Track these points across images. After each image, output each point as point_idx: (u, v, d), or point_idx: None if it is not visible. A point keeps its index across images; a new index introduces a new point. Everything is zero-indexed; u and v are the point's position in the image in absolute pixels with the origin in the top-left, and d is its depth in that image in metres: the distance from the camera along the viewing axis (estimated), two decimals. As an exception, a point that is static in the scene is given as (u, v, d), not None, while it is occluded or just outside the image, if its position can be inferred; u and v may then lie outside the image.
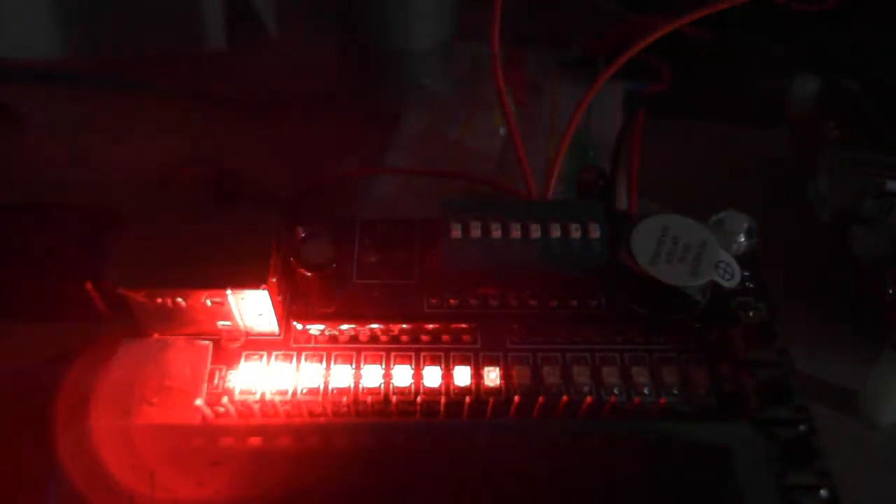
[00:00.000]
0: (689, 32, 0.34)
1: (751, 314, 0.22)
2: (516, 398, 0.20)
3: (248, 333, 0.21)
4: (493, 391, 0.20)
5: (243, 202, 0.30)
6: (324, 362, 0.21)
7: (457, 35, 0.37)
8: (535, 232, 0.22)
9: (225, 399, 0.20)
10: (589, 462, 0.18)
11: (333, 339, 0.22)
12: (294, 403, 0.20)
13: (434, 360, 0.21)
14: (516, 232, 0.22)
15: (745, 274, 0.22)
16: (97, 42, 0.38)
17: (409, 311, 0.22)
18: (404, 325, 0.22)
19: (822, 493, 0.19)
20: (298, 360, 0.21)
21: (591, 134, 0.32)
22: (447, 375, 0.21)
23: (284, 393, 0.20)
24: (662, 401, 0.20)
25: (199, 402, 0.20)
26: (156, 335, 0.21)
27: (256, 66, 0.39)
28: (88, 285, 0.22)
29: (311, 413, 0.20)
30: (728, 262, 0.22)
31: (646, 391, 0.20)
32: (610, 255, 0.22)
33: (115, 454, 0.18)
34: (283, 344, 0.21)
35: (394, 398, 0.20)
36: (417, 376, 0.21)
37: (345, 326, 0.22)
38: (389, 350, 0.21)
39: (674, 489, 0.18)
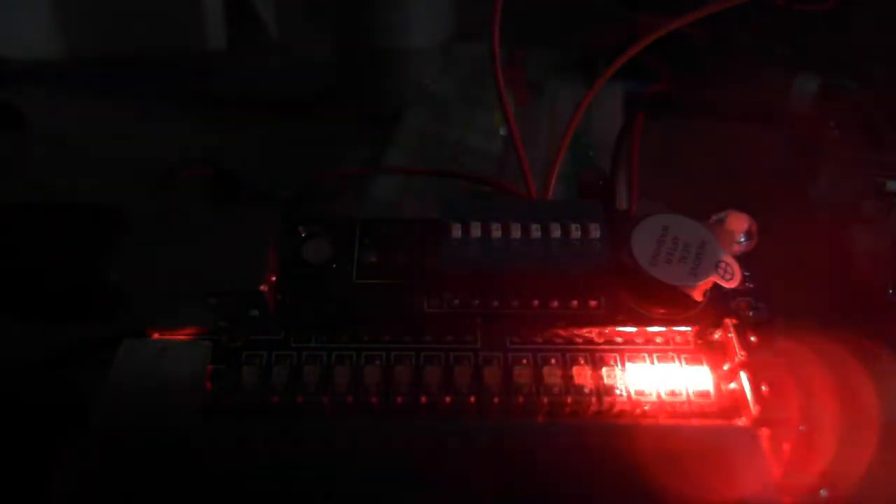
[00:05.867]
0: (689, 32, 0.34)
1: (751, 314, 0.22)
2: (517, 398, 0.20)
3: (248, 333, 0.21)
4: (494, 391, 0.20)
5: (243, 202, 0.30)
6: (324, 362, 0.21)
7: (457, 35, 0.37)
8: (535, 232, 0.22)
9: (226, 399, 0.20)
10: (589, 462, 0.18)
11: (333, 339, 0.22)
12: (294, 403, 0.20)
13: (434, 360, 0.21)
14: (516, 232, 0.22)
15: (746, 274, 0.22)
16: (98, 42, 0.38)
17: (409, 311, 0.22)
18: (404, 325, 0.22)
19: (822, 493, 0.19)
20: (298, 360, 0.21)
21: (591, 134, 0.32)
22: (448, 375, 0.21)
23: (285, 393, 0.20)
24: (662, 401, 0.20)
25: (200, 403, 0.20)
26: (156, 335, 0.21)
27: (256, 66, 0.39)
28: (89, 285, 0.22)
29: (311, 413, 0.20)
30: (728, 262, 0.22)
31: (645, 391, 0.20)
32: (610, 255, 0.22)
33: (115, 456, 0.18)
34: (283, 344, 0.21)
35: (395, 398, 0.20)
36: (418, 376, 0.21)
37: (345, 326, 0.22)
38: (390, 350, 0.21)
39: (673, 489, 0.18)
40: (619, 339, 0.22)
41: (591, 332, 0.22)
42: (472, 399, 0.20)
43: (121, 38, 0.38)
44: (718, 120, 0.34)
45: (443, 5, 0.37)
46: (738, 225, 0.23)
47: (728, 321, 0.22)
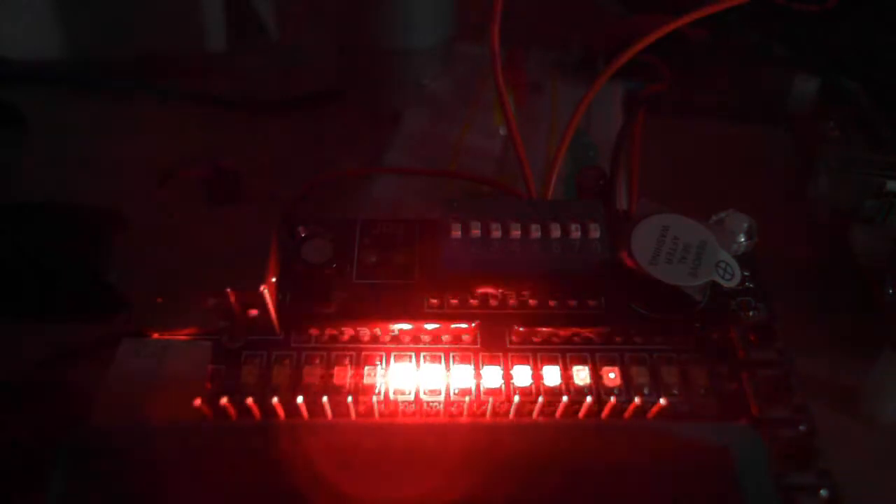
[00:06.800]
0: (689, 32, 0.34)
1: (751, 314, 0.22)
2: (516, 398, 0.20)
3: (248, 333, 0.21)
4: (493, 391, 0.20)
5: (243, 202, 0.30)
6: (324, 362, 0.21)
7: (457, 35, 0.37)
8: (535, 232, 0.22)
9: (225, 399, 0.20)
10: (588, 462, 0.18)
11: (333, 339, 0.22)
12: (294, 404, 0.20)
13: (434, 360, 0.21)
14: (516, 232, 0.22)
15: (745, 274, 0.22)
16: (98, 42, 0.38)
17: (409, 311, 0.22)
18: (404, 325, 0.22)
19: (822, 493, 0.19)
20: (298, 361, 0.21)
21: (590, 134, 0.32)
22: (447, 375, 0.21)
23: (285, 393, 0.20)
24: (662, 401, 0.20)
25: (198, 402, 0.20)
26: (156, 335, 0.21)
27: (256, 66, 0.39)
28: (89, 285, 0.22)
29: (311, 414, 0.20)
30: (728, 262, 0.22)
31: (646, 391, 0.20)
32: (610, 255, 0.22)
33: (114, 455, 0.18)
34: (283, 344, 0.21)
35: (394, 398, 0.20)
36: (418, 376, 0.21)
37: (345, 326, 0.22)
38: (389, 350, 0.21)
39: (674, 489, 0.18)
40: (618, 339, 0.22)
41: (591, 332, 0.22)
42: (472, 399, 0.20)
43: (121, 38, 0.38)
44: (718, 120, 0.34)
45: (443, 5, 0.37)
46: (738, 225, 0.23)
47: (728, 321, 0.22)
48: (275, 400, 0.20)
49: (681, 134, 0.33)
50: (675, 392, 0.21)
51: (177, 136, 0.34)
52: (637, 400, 0.20)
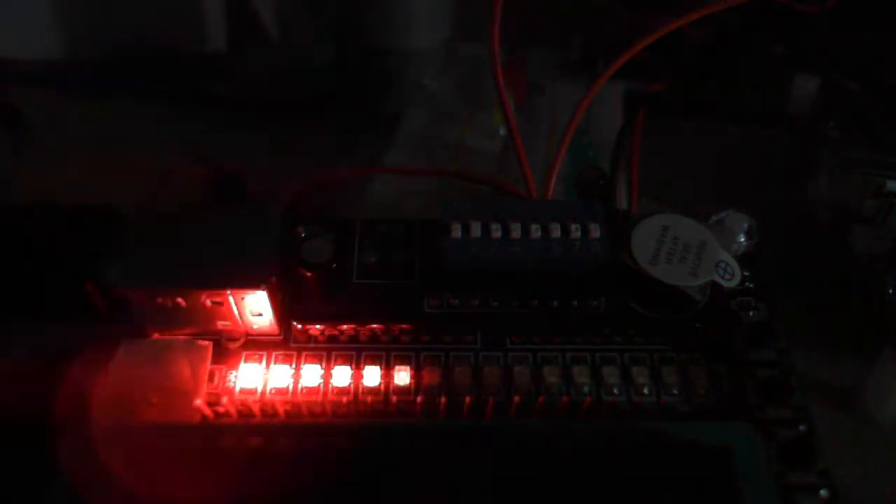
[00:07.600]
0: (689, 32, 0.34)
1: (751, 314, 0.22)
2: (516, 398, 0.20)
3: (247, 333, 0.21)
4: (493, 391, 0.20)
5: (243, 202, 0.30)
6: (324, 362, 0.21)
7: (457, 35, 0.37)
8: (535, 232, 0.22)
9: (225, 399, 0.20)
10: (589, 462, 0.18)
11: (333, 339, 0.22)
12: (294, 403, 0.20)
13: (434, 361, 0.21)
14: (516, 232, 0.22)
15: (745, 274, 0.22)
16: (98, 42, 0.38)
17: (409, 311, 0.22)
18: (404, 325, 0.22)
19: (822, 493, 0.19)
20: (298, 360, 0.21)
21: (590, 134, 0.32)
22: (447, 375, 0.21)
23: (284, 393, 0.20)
24: (662, 401, 0.20)
25: (199, 402, 0.20)
26: (156, 335, 0.21)
27: (256, 66, 0.39)
28: (88, 285, 0.22)
29: (311, 413, 0.20)
30: (728, 262, 0.22)
31: (646, 391, 0.20)
32: (610, 255, 0.22)
33: (114, 455, 0.18)
34: (283, 344, 0.21)
35: (394, 398, 0.20)
36: (417, 376, 0.21)
37: (345, 326, 0.22)
38: (389, 350, 0.21)
39: (674, 489, 0.18)
40: (618, 339, 0.22)
41: (591, 332, 0.22)
42: (472, 399, 0.20)
43: (120, 38, 0.38)
44: (718, 120, 0.34)
45: (443, 5, 0.37)
46: (738, 225, 0.23)
47: (728, 321, 0.22)
48: (276, 400, 0.20)
49: (681, 134, 0.33)
50: (675, 392, 0.21)
51: (177, 136, 0.34)
52: (637, 400, 0.20)
